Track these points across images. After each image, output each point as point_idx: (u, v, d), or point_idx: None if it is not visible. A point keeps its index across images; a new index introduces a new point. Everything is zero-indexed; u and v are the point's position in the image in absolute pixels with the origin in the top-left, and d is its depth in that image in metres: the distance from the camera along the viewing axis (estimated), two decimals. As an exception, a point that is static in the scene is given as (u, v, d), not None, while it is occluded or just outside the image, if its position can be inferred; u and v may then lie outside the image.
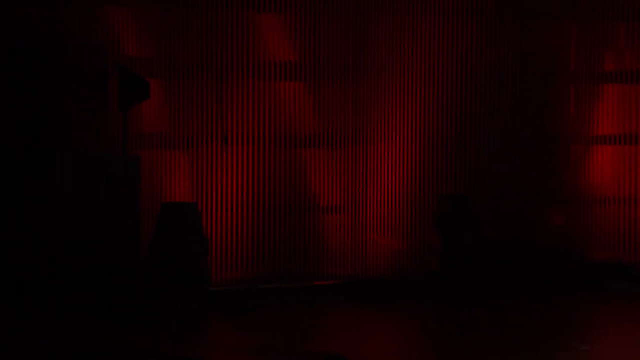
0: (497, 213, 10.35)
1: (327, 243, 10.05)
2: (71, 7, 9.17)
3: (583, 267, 10.43)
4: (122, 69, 9.06)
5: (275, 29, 9.84)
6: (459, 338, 8.38)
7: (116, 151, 9.14)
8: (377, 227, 10.19)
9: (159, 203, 9.31)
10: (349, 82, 10.04)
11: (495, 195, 10.35)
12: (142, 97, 9.04)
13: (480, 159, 10.33)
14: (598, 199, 10.63)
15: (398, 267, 10.19)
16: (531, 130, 10.48)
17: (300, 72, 9.91)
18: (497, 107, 10.38)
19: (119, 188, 8.75)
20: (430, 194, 10.21)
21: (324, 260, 10.03)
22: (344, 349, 7.68)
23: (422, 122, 10.24)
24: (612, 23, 10.58)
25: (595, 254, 10.59)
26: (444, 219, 10.04)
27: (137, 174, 8.86)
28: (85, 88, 8.82)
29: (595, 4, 10.58)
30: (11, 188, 8.47)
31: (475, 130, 10.32)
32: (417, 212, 10.20)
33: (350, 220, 10.10)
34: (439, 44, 10.21)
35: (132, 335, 8.16)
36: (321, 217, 10.01)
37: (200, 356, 7.55)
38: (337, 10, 9.97)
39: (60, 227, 8.45)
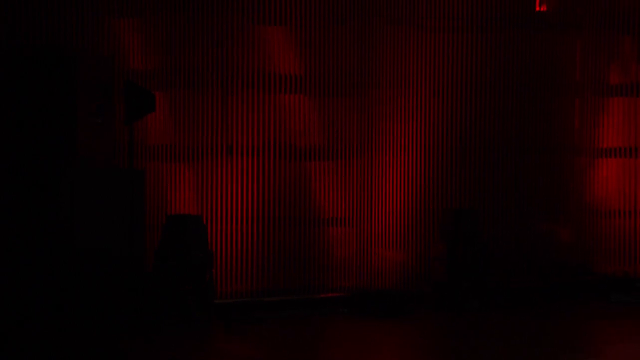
0: (502, 226, 10.25)
1: (331, 255, 9.95)
2: (78, 18, 9.07)
3: (589, 280, 10.33)
4: (128, 81, 8.97)
5: (281, 42, 9.75)
6: (465, 353, 8.24)
7: (122, 164, 9.05)
8: (382, 239, 10.11)
9: (164, 215, 9.22)
10: (353, 94, 9.96)
11: (500, 208, 10.26)
12: (147, 110, 8.95)
13: (486, 172, 10.24)
14: (603, 211, 10.55)
15: (403, 280, 10.10)
16: (536, 143, 10.40)
17: (306, 84, 9.83)
18: (501, 120, 10.29)
19: (124, 201, 8.65)
20: (434, 207, 10.13)
21: (329, 272, 9.94)
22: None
23: (427, 135, 10.15)
24: (617, 35, 10.50)
25: (601, 266, 10.50)
26: (449, 232, 9.94)
27: (142, 186, 8.77)
28: (94, 102, 8.71)
29: (601, 16, 10.48)
30: (18, 202, 8.37)
31: (480, 142, 10.23)
32: (422, 224, 10.11)
33: (355, 232, 10.01)
34: (443, 57, 10.14)
35: (138, 346, 8.07)
36: (326, 230, 9.92)
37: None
38: (342, 24, 9.90)
39: (67, 240, 8.37)
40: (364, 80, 9.99)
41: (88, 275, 8.36)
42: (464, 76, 10.20)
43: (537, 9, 10.45)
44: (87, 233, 8.41)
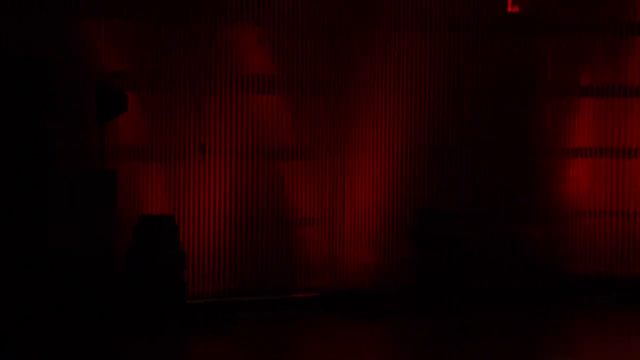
0: (473, 227, 10.24)
1: (304, 255, 9.93)
2: (51, 19, 9.00)
3: (561, 281, 10.35)
4: (100, 82, 8.91)
5: (254, 42, 9.71)
6: (434, 356, 8.23)
7: (93, 164, 8.98)
8: (355, 239, 10.09)
9: (136, 216, 9.16)
10: (327, 95, 9.94)
11: (472, 209, 10.25)
12: (119, 110, 8.89)
13: (458, 172, 10.24)
14: (574, 212, 10.57)
15: (374, 280, 10.08)
16: (508, 144, 10.40)
17: (279, 85, 9.80)
18: (474, 121, 10.30)
19: (96, 202, 8.58)
20: (407, 207, 10.12)
21: (301, 272, 9.91)
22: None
23: (400, 135, 10.14)
24: (588, 36, 10.52)
25: (573, 267, 10.52)
26: (422, 233, 9.94)
27: (114, 187, 8.71)
28: (67, 102, 8.65)
29: (571, 17, 10.50)
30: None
31: (453, 143, 10.23)
32: (395, 225, 10.10)
33: (328, 232, 9.99)
34: (416, 58, 10.13)
35: (109, 348, 8.00)
36: (298, 230, 9.89)
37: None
38: (315, 24, 9.86)
39: (40, 241, 8.30)
40: (337, 80, 9.96)
41: (60, 276, 8.30)
42: (436, 77, 10.18)
43: (509, 9, 10.45)
44: (59, 234, 8.35)
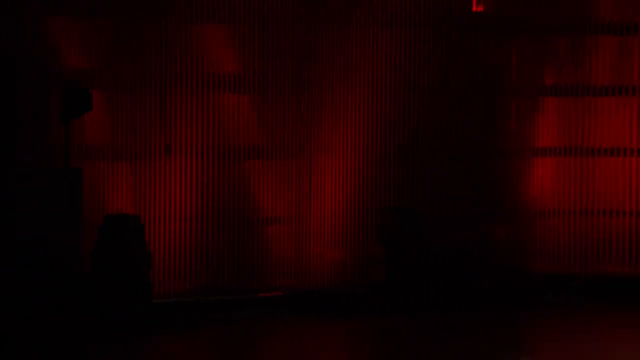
0: (439, 226, 10.24)
1: (271, 254, 9.88)
2: (16, 17, 8.91)
3: (525, 280, 10.36)
4: (66, 80, 8.85)
5: (219, 41, 9.66)
6: (400, 354, 8.21)
7: (58, 164, 8.91)
8: (321, 238, 10.06)
9: (102, 215, 9.08)
10: (293, 94, 9.90)
11: (438, 208, 10.25)
12: (85, 109, 8.83)
13: (424, 172, 10.23)
14: (539, 212, 10.59)
15: (341, 279, 10.05)
16: (474, 143, 10.40)
17: (244, 84, 9.75)
18: (440, 120, 10.29)
19: (61, 201, 8.52)
20: (373, 206, 10.10)
21: (268, 272, 9.86)
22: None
23: (366, 135, 10.12)
24: (552, 37, 10.55)
25: (537, 266, 10.53)
26: (387, 232, 9.92)
27: (80, 186, 8.65)
28: (32, 101, 8.59)
29: (535, 17, 10.52)
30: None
31: (419, 143, 10.22)
32: (362, 224, 10.08)
33: (294, 231, 9.95)
34: (382, 57, 10.11)
35: (75, 350, 7.94)
36: (265, 229, 9.85)
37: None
38: (281, 23, 9.83)
39: (6, 241, 8.23)
40: (303, 80, 9.93)
41: (26, 275, 8.23)
42: (402, 76, 10.17)
43: (474, 9, 10.46)
44: (24, 233, 8.28)
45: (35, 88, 8.90)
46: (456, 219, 10.30)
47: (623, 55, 10.56)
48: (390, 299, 9.81)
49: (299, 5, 9.86)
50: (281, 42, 9.83)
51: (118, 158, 9.37)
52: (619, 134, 10.61)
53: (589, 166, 10.63)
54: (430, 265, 9.96)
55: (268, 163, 9.86)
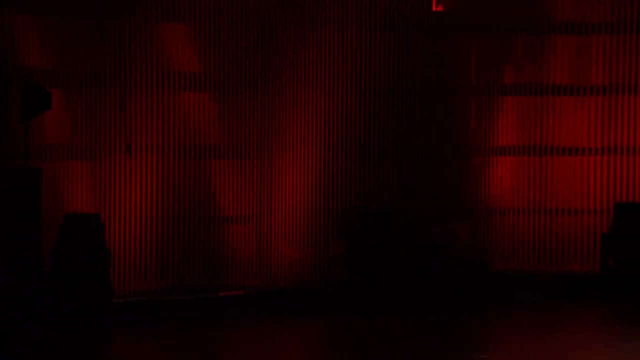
0: (402, 225, 10.22)
1: (232, 254, 9.82)
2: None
3: (486, 277, 10.35)
4: (24, 79, 8.75)
5: (180, 40, 9.59)
6: (362, 352, 8.18)
7: (18, 163, 8.81)
8: (283, 237, 10.00)
9: (62, 214, 8.99)
10: (254, 93, 9.85)
11: (401, 207, 10.23)
12: (44, 108, 8.74)
13: (386, 171, 10.21)
14: (499, 210, 10.59)
15: (304, 278, 10.01)
16: (435, 143, 10.39)
17: (205, 83, 9.69)
18: (401, 120, 10.27)
19: (20, 200, 8.43)
20: (336, 205, 10.06)
21: (230, 271, 9.80)
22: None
23: (327, 134, 10.09)
24: (511, 37, 10.56)
25: (498, 264, 10.53)
26: (349, 230, 9.89)
27: (39, 185, 8.56)
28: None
29: (494, 17, 10.53)
30: None
31: (380, 142, 10.20)
32: (324, 223, 10.04)
33: (255, 230, 9.89)
34: (343, 57, 10.08)
35: (33, 350, 7.85)
36: (226, 228, 9.79)
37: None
38: (242, 22, 9.77)
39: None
40: (265, 79, 9.88)
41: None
42: (364, 76, 10.14)
43: (434, 9, 10.46)
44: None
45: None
46: (418, 218, 10.28)
47: (581, 55, 10.59)
48: (352, 297, 9.76)
49: (259, 6, 9.81)
50: (241, 42, 9.78)
51: (78, 157, 9.28)
52: (578, 133, 10.63)
53: (547, 165, 10.65)
54: (392, 264, 9.94)
55: (229, 162, 9.80)
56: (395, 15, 10.19)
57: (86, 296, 8.62)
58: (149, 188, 9.48)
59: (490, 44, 10.52)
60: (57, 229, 8.86)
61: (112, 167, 9.36)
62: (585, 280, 10.42)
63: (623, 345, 8.27)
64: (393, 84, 10.21)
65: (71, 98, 9.25)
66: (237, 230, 9.81)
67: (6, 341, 7.96)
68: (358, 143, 10.13)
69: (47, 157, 9.18)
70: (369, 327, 9.10)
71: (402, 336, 8.64)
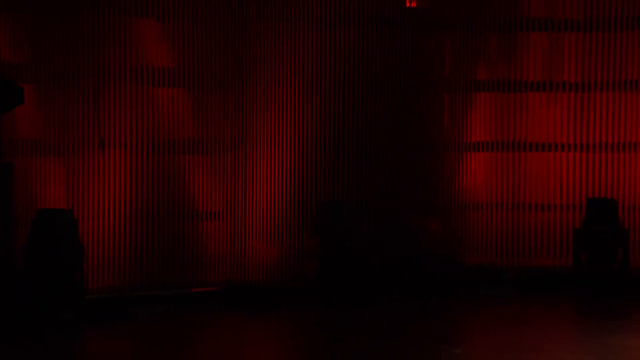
0: (375, 219, 10.20)
1: (205, 249, 9.76)
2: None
3: (458, 272, 10.35)
4: (-4, 74, 8.68)
5: (153, 35, 9.52)
6: (335, 347, 8.15)
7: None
8: (256, 233, 9.96)
9: (34, 210, 8.91)
10: (227, 88, 9.79)
11: (374, 202, 10.21)
12: (15, 103, 8.66)
13: (359, 166, 10.18)
14: (471, 205, 10.59)
15: (277, 274, 9.96)
16: (408, 138, 10.37)
17: (179, 78, 9.62)
18: (374, 115, 10.24)
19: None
20: (308, 201, 10.02)
21: (203, 266, 9.74)
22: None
23: (301, 129, 10.05)
24: (484, 33, 10.55)
25: (470, 258, 10.52)
26: (322, 225, 9.87)
27: (10, 180, 8.49)
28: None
29: (467, 13, 10.52)
30: None
31: (354, 137, 10.16)
32: (296, 218, 10.00)
33: (229, 226, 9.85)
34: (316, 52, 10.04)
35: (3, 347, 7.77)
36: (200, 224, 9.73)
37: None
38: (215, 17, 9.72)
39: None
40: (238, 74, 9.83)
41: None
42: (337, 71, 10.10)
43: (408, 4, 10.44)
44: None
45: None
46: (391, 213, 10.27)
47: (553, 51, 10.59)
48: (324, 292, 9.74)
49: (234, 1, 9.77)
50: (216, 38, 9.73)
51: (51, 152, 9.20)
52: (550, 129, 10.64)
53: (520, 161, 10.65)
54: (364, 258, 9.91)
55: (203, 157, 9.74)
56: (368, 11, 10.16)
57: (59, 292, 8.54)
58: (122, 183, 9.42)
59: (464, 41, 10.51)
60: (29, 224, 8.79)
61: (85, 162, 9.29)
62: (558, 275, 10.43)
63: (593, 339, 8.28)
64: (366, 79, 10.18)
65: (44, 93, 9.16)
66: (210, 225, 9.76)
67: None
68: (331, 138, 10.10)
69: (20, 153, 9.09)
70: (341, 321, 9.07)
71: (374, 330, 8.61)
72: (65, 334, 8.34)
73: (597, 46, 10.52)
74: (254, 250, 9.94)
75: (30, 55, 9.10)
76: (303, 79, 10.01)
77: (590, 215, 10.39)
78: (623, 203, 10.50)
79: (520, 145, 10.62)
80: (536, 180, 10.63)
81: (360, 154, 10.18)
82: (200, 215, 9.71)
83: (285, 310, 9.36)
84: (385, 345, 7.99)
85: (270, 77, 9.94)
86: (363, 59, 10.15)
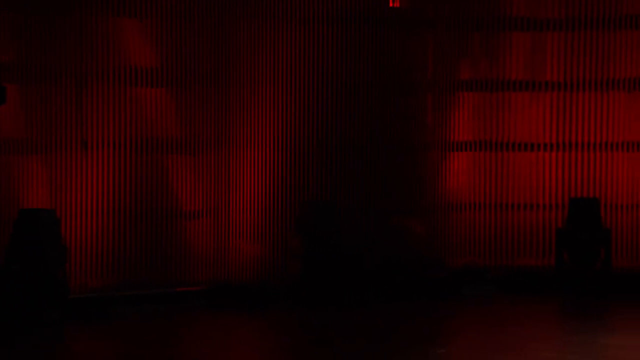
0: (359, 220, 10.17)
1: (189, 249, 9.71)
2: None
3: (443, 273, 10.32)
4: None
5: (136, 34, 9.47)
6: (320, 348, 8.11)
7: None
8: (240, 232, 9.92)
9: (17, 210, 8.84)
10: (211, 87, 9.75)
11: (358, 202, 10.18)
12: (-2, 102, 8.59)
13: (343, 166, 10.15)
14: (455, 205, 10.57)
15: (261, 273, 9.92)
16: (392, 138, 10.33)
17: (162, 77, 9.57)
18: (358, 115, 10.21)
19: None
20: (293, 200, 9.98)
21: (187, 266, 9.69)
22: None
23: (285, 128, 10.01)
24: (468, 32, 10.54)
25: (454, 259, 10.50)
26: (305, 225, 9.83)
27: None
28: None
29: (451, 12, 10.50)
30: None
31: (338, 136, 10.13)
32: (280, 217, 9.96)
33: (213, 226, 9.80)
34: (301, 51, 10.00)
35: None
36: (184, 223, 9.68)
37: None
38: (199, 16, 9.67)
39: None
40: (222, 74, 9.78)
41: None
42: (321, 71, 10.06)
43: (391, 4, 10.41)
44: None
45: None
46: (374, 212, 10.24)
47: (536, 51, 10.58)
48: (307, 293, 9.70)
49: (217, 1, 9.73)
50: (200, 37, 9.68)
51: (33, 152, 9.13)
52: (533, 129, 10.63)
53: (503, 160, 10.63)
54: (347, 258, 9.88)
55: (187, 157, 9.69)
56: (352, 10, 10.12)
57: (42, 292, 8.49)
58: (106, 183, 9.36)
59: (448, 40, 10.49)
60: (12, 224, 8.73)
61: (68, 161, 9.22)
62: (541, 275, 10.41)
63: (576, 338, 8.27)
64: (350, 79, 10.14)
65: (26, 92, 9.09)
66: (194, 225, 9.71)
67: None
68: (316, 138, 10.06)
69: (2, 152, 9.01)
70: (324, 322, 9.03)
71: (357, 331, 8.58)
72: (49, 333, 8.28)
73: (580, 45, 10.52)
74: (239, 250, 9.90)
75: (12, 55, 9.03)
76: (287, 78, 9.97)
77: (572, 215, 10.38)
78: (605, 202, 10.50)
79: (503, 145, 10.61)
80: (519, 180, 10.62)
81: (345, 154, 10.14)
82: (185, 215, 9.66)
83: (271, 310, 9.32)
84: (369, 345, 7.96)
85: (254, 76, 9.90)
86: (347, 58, 10.11)
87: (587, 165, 10.55)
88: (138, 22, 9.41)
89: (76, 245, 9.20)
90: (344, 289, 9.75)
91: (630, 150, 10.50)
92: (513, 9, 10.54)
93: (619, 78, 10.47)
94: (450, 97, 10.55)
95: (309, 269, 9.73)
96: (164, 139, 9.57)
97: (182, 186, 9.66)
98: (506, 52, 10.55)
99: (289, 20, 9.93)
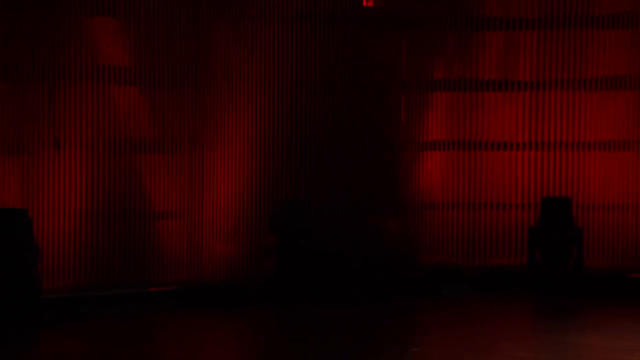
0: (333, 219, 10.15)
1: (163, 249, 9.66)
2: None
3: (417, 272, 10.32)
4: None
5: (110, 33, 9.40)
6: (295, 347, 8.09)
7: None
8: (214, 232, 9.87)
9: (-12, 210, 8.77)
10: (186, 87, 9.69)
11: (332, 201, 10.16)
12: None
13: (317, 165, 10.13)
14: (428, 204, 10.56)
15: (235, 273, 9.88)
16: (365, 137, 10.32)
17: (136, 76, 9.50)
18: (331, 114, 10.19)
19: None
20: (266, 199, 9.95)
21: (160, 266, 9.64)
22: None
23: (259, 128, 9.97)
24: (441, 32, 10.54)
25: (428, 258, 10.49)
26: (279, 224, 9.80)
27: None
28: None
29: (424, 12, 10.50)
30: None
31: (312, 136, 10.11)
32: (254, 217, 9.92)
33: (186, 226, 9.75)
34: (275, 51, 9.96)
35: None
36: (157, 223, 9.62)
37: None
38: (174, 15, 9.61)
39: None
40: (196, 73, 9.73)
41: None
42: (295, 70, 10.03)
43: (364, 3, 10.40)
44: None
45: None
46: (348, 212, 10.22)
47: (509, 50, 10.60)
48: (280, 291, 9.67)
49: (192, 1, 9.68)
50: (174, 36, 9.62)
51: (5, 151, 9.03)
52: (506, 128, 10.64)
53: (477, 160, 10.64)
54: (321, 257, 9.86)
55: (160, 157, 9.63)
56: (325, 10, 10.10)
57: (13, 293, 8.41)
58: (79, 183, 9.29)
59: (421, 40, 10.49)
60: (-17, 224, 8.64)
61: (40, 161, 9.14)
62: (514, 274, 10.43)
63: (548, 337, 8.29)
64: (324, 78, 10.12)
65: (-2, 91, 9.03)
66: (167, 225, 9.66)
67: None
68: (289, 138, 10.03)
69: (-27, 152, 8.95)
70: (298, 320, 9.01)
71: (330, 329, 8.55)
72: (19, 334, 8.20)
73: (552, 45, 10.54)
74: (211, 250, 9.86)
75: (-16, 54, 8.96)
76: (261, 78, 9.94)
77: (545, 214, 10.40)
78: (577, 202, 10.53)
79: (476, 145, 10.62)
80: (492, 179, 10.63)
81: (318, 154, 10.12)
82: (158, 215, 9.61)
83: (241, 309, 9.28)
84: (343, 344, 7.94)
85: (228, 75, 9.85)
86: (319, 58, 10.09)
87: (560, 165, 10.57)
88: (111, 21, 9.34)
89: (48, 245, 9.12)
90: (316, 286, 9.72)
91: (603, 150, 10.53)
92: (486, 9, 10.55)
93: (592, 78, 10.50)
94: (423, 96, 10.54)
95: (282, 268, 9.71)
96: (137, 139, 9.50)
97: (155, 186, 9.61)
98: (479, 52, 10.56)
99: (263, 20, 9.90)
